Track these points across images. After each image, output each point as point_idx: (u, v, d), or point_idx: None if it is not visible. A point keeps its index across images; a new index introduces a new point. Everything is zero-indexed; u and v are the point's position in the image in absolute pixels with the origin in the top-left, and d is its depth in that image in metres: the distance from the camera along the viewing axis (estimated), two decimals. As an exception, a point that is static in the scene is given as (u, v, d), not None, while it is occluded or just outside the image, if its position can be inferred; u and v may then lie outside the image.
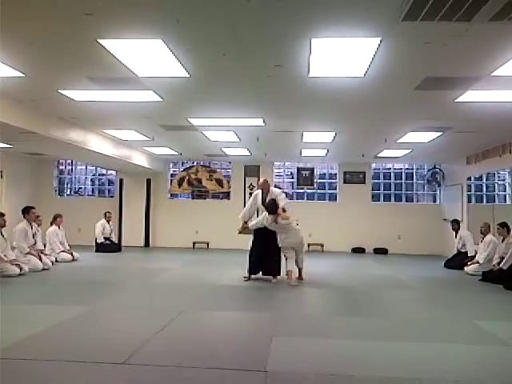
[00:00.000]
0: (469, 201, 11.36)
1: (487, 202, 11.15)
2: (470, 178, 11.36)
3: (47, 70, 5.26)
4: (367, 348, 4.00)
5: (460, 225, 10.23)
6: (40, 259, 8.31)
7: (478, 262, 8.70)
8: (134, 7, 3.60)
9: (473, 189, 11.47)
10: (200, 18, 3.78)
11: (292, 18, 3.72)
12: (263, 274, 7.55)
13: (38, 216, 8.98)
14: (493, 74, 5.06)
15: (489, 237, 8.67)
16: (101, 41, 4.25)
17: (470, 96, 5.93)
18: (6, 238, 7.78)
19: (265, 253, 7.44)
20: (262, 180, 7.84)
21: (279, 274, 7.48)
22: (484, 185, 11.24)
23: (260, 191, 7.67)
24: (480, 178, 11.23)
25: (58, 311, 5.07)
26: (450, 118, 7.33)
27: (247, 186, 13.54)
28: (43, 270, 8.20)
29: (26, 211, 8.65)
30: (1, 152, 10.34)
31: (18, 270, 7.44)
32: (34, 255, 8.26)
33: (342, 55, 4.57)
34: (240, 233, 7.93)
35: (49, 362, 3.46)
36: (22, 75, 5.35)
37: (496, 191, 11.21)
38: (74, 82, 5.68)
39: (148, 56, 4.67)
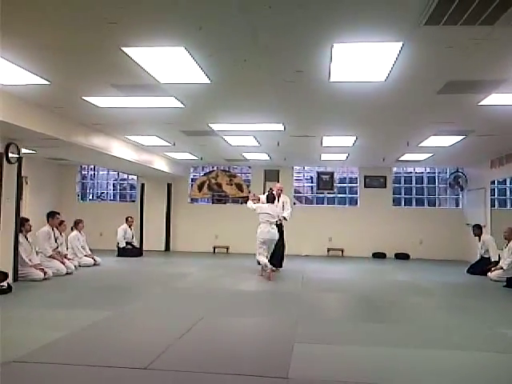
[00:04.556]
0: (492, 205, 11.17)
1: (511, 206, 10.95)
2: (493, 182, 11.16)
3: (72, 77, 5.37)
4: (388, 355, 3.97)
5: (482, 229, 10.06)
6: (63, 263, 8.43)
7: (501, 268, 8.55)
8: (157, 16, 3.65)
9: (496, 193, 11.28)
10: (222, 25, 3.81)
11: (313, 23, 3.72)
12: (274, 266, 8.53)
13: (62, 221, 9.14)
14: (516, 77, 4.99)
15: (513, 242, 8.52)
16: (124, 49, 4.32)
17: (494, 99, 5.84)
18: (30, 242, 7.92)
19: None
20: (280, 184, 9.46)
21: (281, 266, 8.97)
22: (508, 189, 11.03)
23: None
24: (504, 182, 11.03)
25: (81, 316, 5.14)
26: (473, 122, 7.24)
27: (267, 190, 13.51)
28: (67, 274, 8.32)
29: (51, 216, 8.81)
30: (25, 158, 10.53)
31: (42, 275, 7.56)
32: (57, 259, 8.39)
33: (363, 60, 4.55)
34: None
35: (71, 367, 3.52)
36: (47, 83, 5.46)
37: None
38: (97, 89, 5.77)
39: (170, 63, 4.72)
